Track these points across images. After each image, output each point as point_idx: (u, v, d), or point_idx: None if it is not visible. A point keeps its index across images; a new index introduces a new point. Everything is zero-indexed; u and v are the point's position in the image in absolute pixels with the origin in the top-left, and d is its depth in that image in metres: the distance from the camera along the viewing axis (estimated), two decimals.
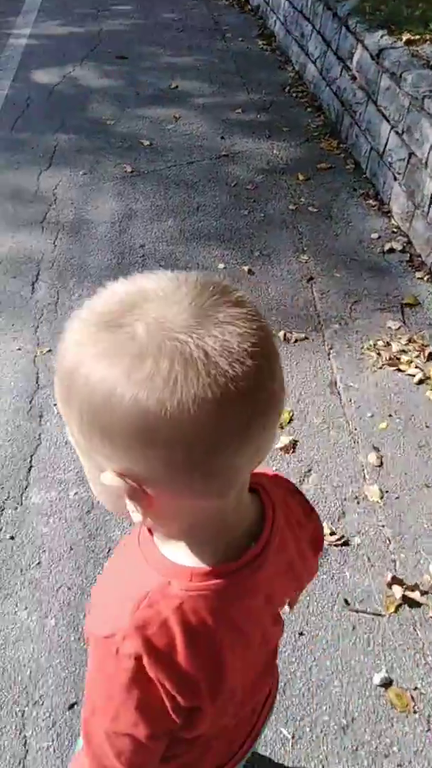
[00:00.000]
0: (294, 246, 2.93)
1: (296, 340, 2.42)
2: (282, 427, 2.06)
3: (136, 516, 0.53)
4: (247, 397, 0.46)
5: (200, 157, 3.59)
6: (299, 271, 2.78)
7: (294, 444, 2.03)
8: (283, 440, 2.02)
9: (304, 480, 1.93)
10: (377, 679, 1.49)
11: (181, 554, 0.59)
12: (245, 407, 0.47)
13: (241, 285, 2.67)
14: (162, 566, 0.59)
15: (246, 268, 2.77)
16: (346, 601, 1.64)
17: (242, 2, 5.88)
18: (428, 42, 3.09)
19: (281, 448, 2.00)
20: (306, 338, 2.44)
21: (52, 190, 3.26)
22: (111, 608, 0.60)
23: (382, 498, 1.89)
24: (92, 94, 4.24)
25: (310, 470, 1.96)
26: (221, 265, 2.79)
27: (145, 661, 0.56)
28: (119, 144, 3.69)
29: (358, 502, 1.88)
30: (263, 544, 0.62)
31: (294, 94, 4.31)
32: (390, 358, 2.34)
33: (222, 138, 3.79)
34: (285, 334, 2.42)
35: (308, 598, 1.62)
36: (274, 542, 0.63)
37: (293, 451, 2.01)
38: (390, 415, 2.14)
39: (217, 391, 0.45)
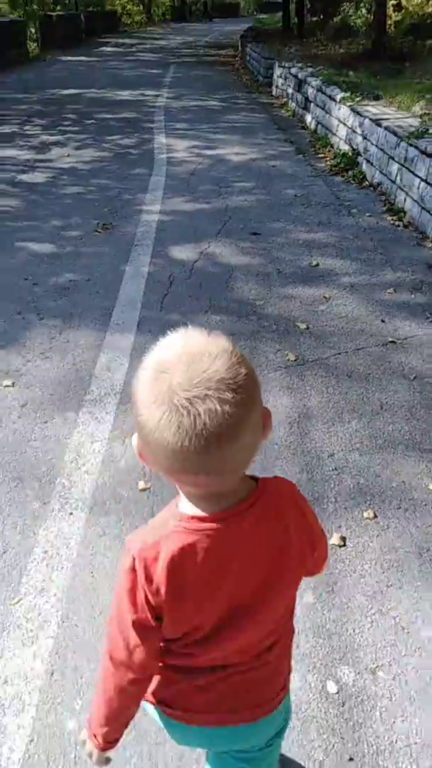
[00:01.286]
0: None
1: None
2: None
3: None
4: (196, 451, 0.77)
5: (365, 344, 3.33)
6: None
7: None
8: None
9: None
10: None
11: (187, 506, 0.90)
12: (192, 454, 0.78)
13: None
14: (173, 511, 0.92)
15: None
16: None
17: (359, 179, 6.05)
18: None
19: None
20: None
21: None
22: (140, 535, 0.92)
23: None
24: (234, 272, 4.19)
25: None
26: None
27: (138, 568, 0.89)
28: (273, 327, 3.50)
29: None
30: (239, 512, 0.89)
31: None
32: None
33: (383, 321, 3.56)
34: None
35: None
36: (250, 514, 0.89)
37: None
38: None
39: (178, 446, 0.77)
